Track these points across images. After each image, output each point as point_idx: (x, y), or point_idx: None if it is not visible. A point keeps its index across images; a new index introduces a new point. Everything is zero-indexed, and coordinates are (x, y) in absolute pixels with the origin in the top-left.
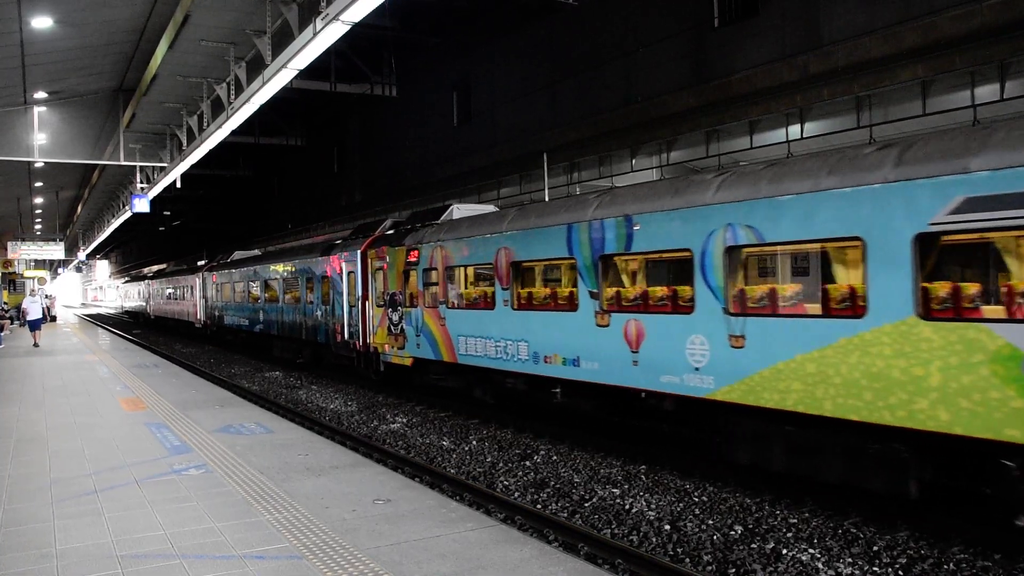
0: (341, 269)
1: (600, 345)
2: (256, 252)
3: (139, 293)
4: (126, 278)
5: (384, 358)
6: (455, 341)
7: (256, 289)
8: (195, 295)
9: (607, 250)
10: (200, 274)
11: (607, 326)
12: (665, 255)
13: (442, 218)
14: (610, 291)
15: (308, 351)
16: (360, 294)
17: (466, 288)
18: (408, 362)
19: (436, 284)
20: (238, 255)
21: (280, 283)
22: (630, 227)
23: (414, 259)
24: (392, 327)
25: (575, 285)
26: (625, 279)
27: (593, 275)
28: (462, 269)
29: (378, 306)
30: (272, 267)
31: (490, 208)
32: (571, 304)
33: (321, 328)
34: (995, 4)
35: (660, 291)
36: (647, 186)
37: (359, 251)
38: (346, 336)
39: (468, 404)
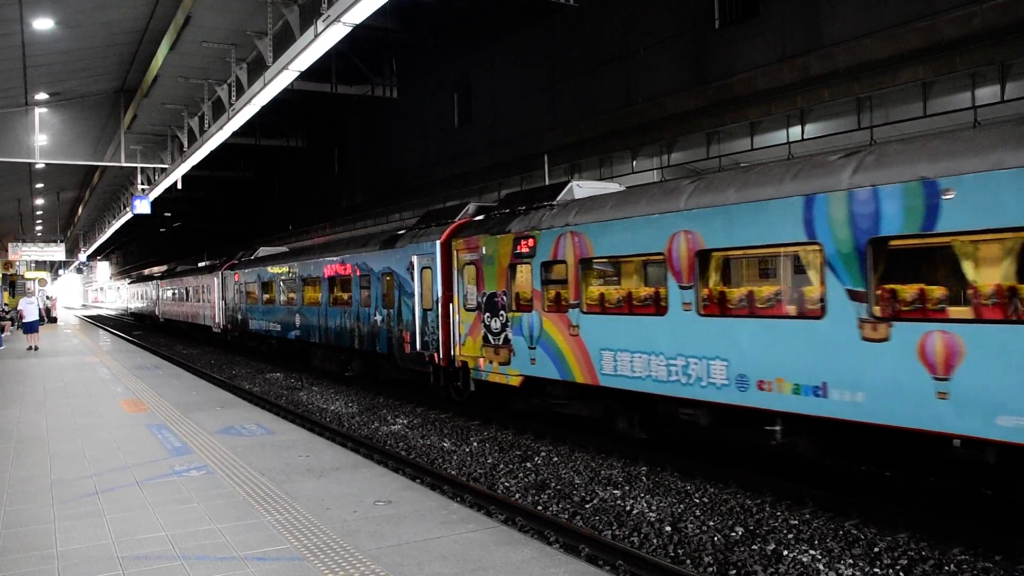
0: (412, 264)
1: (869, 367)
2: (283, 249)
3: (146, 294)
4: (131, 278)
5: (476, 375)
6: (595, 356)
7: (291, 289)
8: (213, 296)
9: (884, 230)
10: (219, 273)
11: (884, 340)
12: (1004, 234)
13: (559, 197)
14: (890, 289)
15: (359, 362)
16: (439, 295)
17: (614, 287)
18: (515, 381)
19: (563, 282)
20: (264, 251)
21: (324, 282)
22: (933, 194)
23: (526, 249)
24: (490, 337)
25: (821, 281)
26: (925, 271)
27: (856, 267)
28: (609, 261)
29: (468, 310)
30: (313, 264)
31: (613, 186)
32: (811, 308)
33: (381, 335)
34: (995, 6)
35: (989, 287)
36: (962, 134)
37: (438, 241)
38: (418, 346)
39: (470, 407)
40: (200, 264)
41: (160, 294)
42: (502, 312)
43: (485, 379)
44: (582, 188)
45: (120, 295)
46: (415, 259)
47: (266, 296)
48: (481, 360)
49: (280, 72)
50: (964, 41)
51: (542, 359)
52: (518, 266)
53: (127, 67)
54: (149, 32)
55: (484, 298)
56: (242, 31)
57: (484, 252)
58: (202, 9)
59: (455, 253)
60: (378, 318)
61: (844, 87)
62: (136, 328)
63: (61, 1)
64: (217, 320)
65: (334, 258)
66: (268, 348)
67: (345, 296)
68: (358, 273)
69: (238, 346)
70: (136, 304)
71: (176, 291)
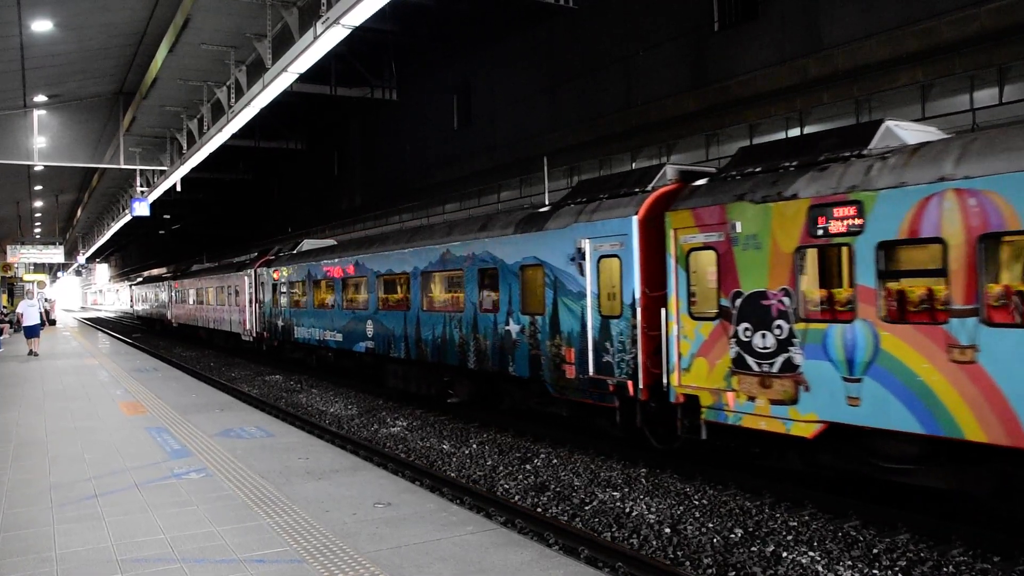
0: (582, 252)
1: None
2: (331, 242)
3: (155, 297)
4: (139, 279)
5: (716, 416)
6: (1016, 397)
7: (358, 290)
8: (242, 299)
9: None
10: (250, 271)
11: None
12: None
13: (874, 143)
14: None
15: (470, 384)
16: (636, 295)
17: None
18: (807, 431)
19: (936, 273)
20: (310, 244)
21: (414, 280)
22: None
23: (843, 223)
24: (752, 359)
25: None
26: None
27: None
28: None
29: (698, 318)
30: (396, 256)
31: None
32: None
33: (519, 352)
34: (994, 9)
35: None
36: None
37: (634, 217)
38: (591, 370)
39: (468, 408)
40: (225, 261)
41: (173, 296)
42: (780, 322)
43: (734, 423)
44: (904, 130)
45: (121, 297)
46: (587, 244)
47: (321, 298)
48: (729, 395)
49: (279, 74)
50: (963, 44)
51: (877, 397)
52: (819, 249)
53: (126, 69)
54: (148, 34)
55: (737, 300)
56: (241, 33)
57: (737, 230)
58: (201, 11)
59: (672, 233)
60: (512, 328)
61: (843, 89)
62: (137, 331)
63: (60, 3)
64: (249, 326)
65: (433, 246)
66: (319, 361)
67: (449, 297)
68: (477, 267)
69: (275, 358)
70: (143, 307)
71: (194, 292)
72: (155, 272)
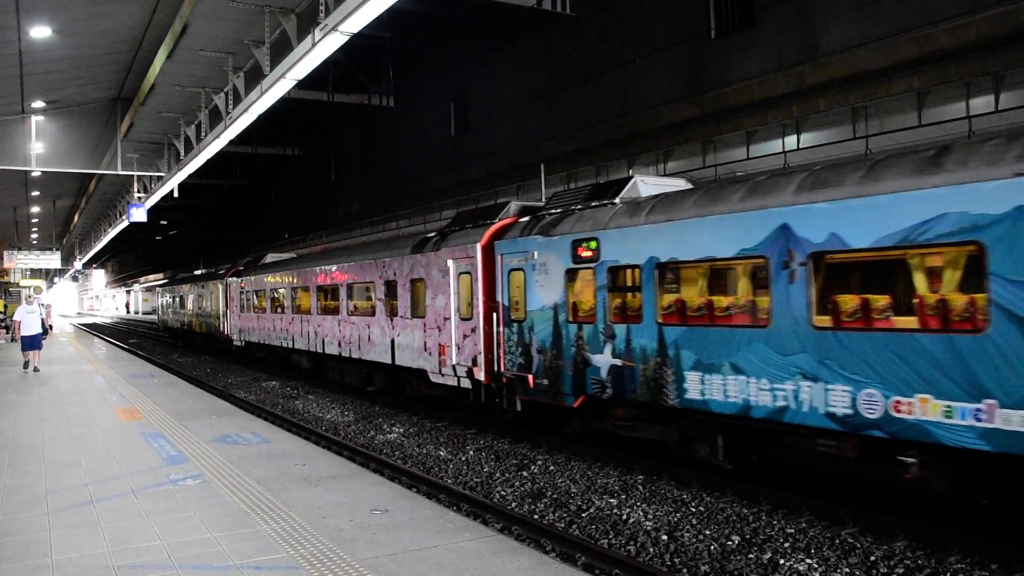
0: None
1: None
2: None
3: (194, 302)
4: (163, 278)
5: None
6: None
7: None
8: (446, 303)
9: None
10: (473, 247)
11: None
12: None
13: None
14: None
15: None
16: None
17: None
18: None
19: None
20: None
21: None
22: None
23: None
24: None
25: None
26: None
27: None
28: None
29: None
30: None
31: None
32: None
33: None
34: (990, 16)
35: None
36: None
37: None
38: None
39: (464, 414)
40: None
41: (241, 300)
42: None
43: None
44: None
45: (136, 301)
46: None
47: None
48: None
49: (277, 81)
50: (959, 51)
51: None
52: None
53: (124, 75)
54: (146, 40)
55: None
56: (239, 40)
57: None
58: (199, 18)
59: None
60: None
61: (839, 97)
62: (132, 337)
63: (58, 9)
64: (471, 362)
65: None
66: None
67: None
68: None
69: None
70: (173, 315)
71: (287, 294)
72: (198, 272)
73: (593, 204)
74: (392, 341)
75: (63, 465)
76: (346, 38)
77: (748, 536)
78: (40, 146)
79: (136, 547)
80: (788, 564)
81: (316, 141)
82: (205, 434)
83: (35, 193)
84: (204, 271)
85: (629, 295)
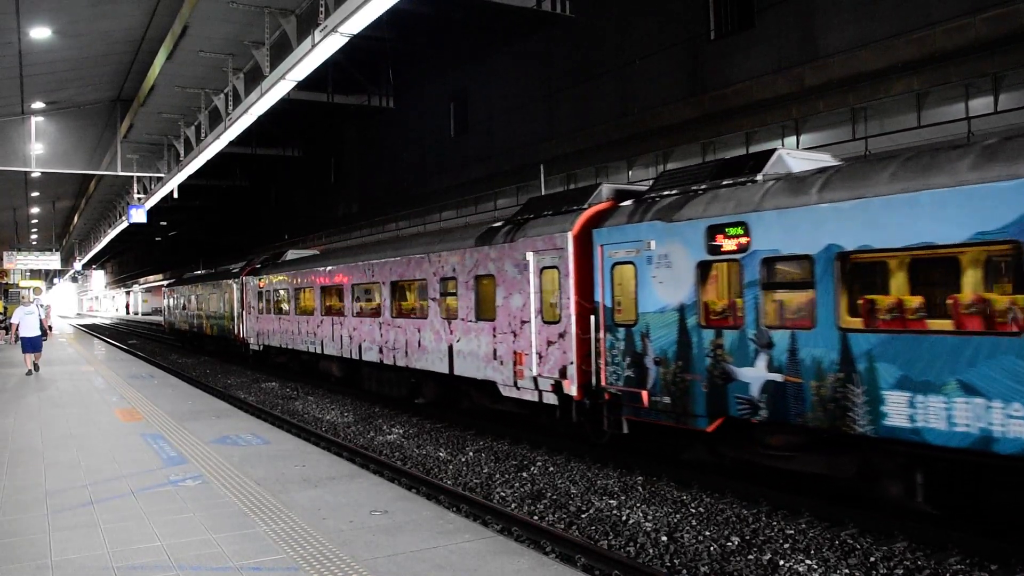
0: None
1: None
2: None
3: (210, 302)
4: (165, 278)
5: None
6: None
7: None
8: (516, 314)
9: None
10: (551, 239)
11: None
12: None
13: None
14: None
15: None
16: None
17: None
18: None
19: None
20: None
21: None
22: None
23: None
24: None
25: None
26: None
27: None
28: None
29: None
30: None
31: None
32: None
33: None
34: (989, 18)
35: None
36: None
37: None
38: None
39: (464, 416)
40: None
41: (259, 300)
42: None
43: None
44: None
45: (136, 302)
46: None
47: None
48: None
49: (277, 82)
50: (958, 52)
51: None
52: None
53: (124, 76)
54: (146, 41)
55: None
56: (239, 41)
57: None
58: (199, 19)
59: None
60: None
61: (839, 98)
62: (131, 338)
63: (59, 10)
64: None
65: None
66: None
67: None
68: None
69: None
70: (181, 317)
71: (315, 293)
72: (221, 269)
73: (727, 182)
74: (450, 347)
75: (63, 466)
76: (346, 39)
77: (748, 537)
78: (40, 147)
79: (136, 548)
80: (788, 565)
81: (316, 142)
82: (205, 435)
83: (35, 194)
84: (216, 269)
85: (794, 293)
